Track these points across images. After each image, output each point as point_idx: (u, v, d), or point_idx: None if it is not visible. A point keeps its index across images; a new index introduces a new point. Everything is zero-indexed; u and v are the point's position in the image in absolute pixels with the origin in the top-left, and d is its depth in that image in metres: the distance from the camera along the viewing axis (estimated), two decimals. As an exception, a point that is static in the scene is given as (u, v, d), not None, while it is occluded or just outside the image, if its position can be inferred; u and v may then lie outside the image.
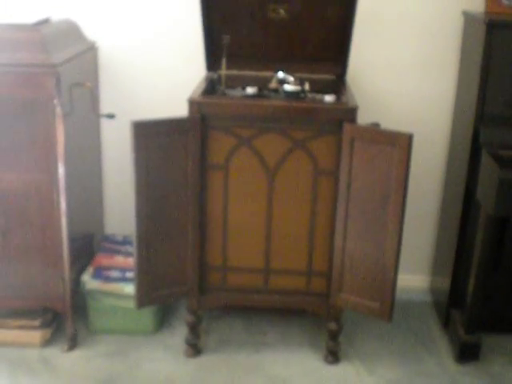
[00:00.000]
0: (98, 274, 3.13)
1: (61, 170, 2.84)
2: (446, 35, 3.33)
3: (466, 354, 3.11)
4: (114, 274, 3.14)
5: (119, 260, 3.22)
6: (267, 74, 3.11)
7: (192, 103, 2.70)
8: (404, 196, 2.64)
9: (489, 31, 2.89)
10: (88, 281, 3.12)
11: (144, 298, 2.83)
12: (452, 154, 3.41)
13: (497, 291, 3.26)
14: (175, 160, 2.72)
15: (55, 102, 2.76)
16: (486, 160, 2.87)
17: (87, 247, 3.37)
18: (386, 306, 2.80)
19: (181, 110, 2.75)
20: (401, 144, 2.58)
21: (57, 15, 3.23)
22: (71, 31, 3.20)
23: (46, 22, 3.07)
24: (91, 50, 3.31)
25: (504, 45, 2.92)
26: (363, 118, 2.92)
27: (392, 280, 2.76)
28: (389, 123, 2.94)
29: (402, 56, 3.36)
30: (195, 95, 2.76)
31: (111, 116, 3.08)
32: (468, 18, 3.22)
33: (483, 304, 3.10)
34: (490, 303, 3.23)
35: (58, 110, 2.77)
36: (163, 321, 3.32)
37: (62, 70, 2.80)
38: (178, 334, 3.21)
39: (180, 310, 3.40)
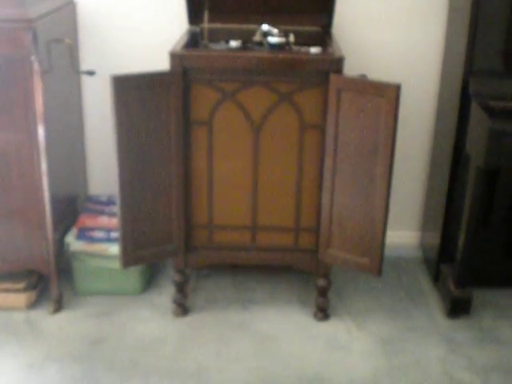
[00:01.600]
0: (82, 234, 3.08)
1: (40, 129, 2.77)
2: (434, -16, 3.26)
3: (457, 308, 3.09)
4: (99, 234, 3.09)
5: (103, 220, 3.17)
6: (251, 27, 3.02)
7: (173, 56, 2.62)
8: (392, 148, 2.59)
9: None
10: (72, 242, 3.07)
11: (129, 257, 2.79)
12: (441, 106, 3.35)
13: (487, 245, 3.24)
14: (157, 115, 2.65)
15: (32, 58, 2.68)
16: (475, 111, 2.82)
17: (71, 208, 3.31)
18: (376, 260, 2.76)
19: (163, 66, 2.67)
20: (388, 95, 2.52)
21: (33, -31, 3.13)
22: (48, -14, 3.10)
23: (21, -24, 2.97)
24: (69, 4, 3.21)
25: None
26: (350, 71, 2.85)
27: (381, 234, 2.72)
28: (376, 75, 2.88)
29: (389, 6, 3.28)
30: (177, 48, 2.68)
31: (91, 73, 3.00)
32: (456, -34, 3.15)
33: (473, 258, 3.07)
34: (480, 257, 3.20)
35: (36, 66, 2.69)
36: (150, 281, 3.29)
37: (39, 25, 2.71)
38: (166, 294, 3.18)
39: (167, 269, 3.36)
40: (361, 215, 2.74)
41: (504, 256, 3.27)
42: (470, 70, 2.93)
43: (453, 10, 3.18)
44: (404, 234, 3.68)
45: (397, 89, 2.50)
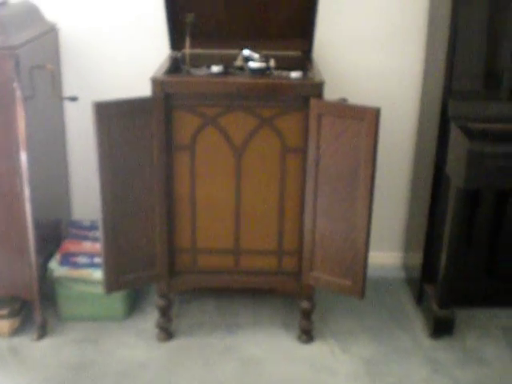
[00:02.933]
0: (66, 260, 3.08)
1: (23, 156, 2.77)
2: (412, 8, 3.30)
3: (440, 328, 3.10)
4: (82, 259, 3.09)
5: (87, 245, 3.17)
6: (233, 52, 3.05)
7: (155, 82, 2.64)
8: (373, 171, 2.61)
9: (455, 3, 2.86)
10: (55, 268, 3.07)
11: (112, 282, 2.78)
12: (421, 128, 3.39)
13: (470, 265, 3.26)
14: (139, 141, 2.66)
15: (15, 85, 2.69)
16: (454, 133, 2.85)
17: (54, 233, 3.30)
18: (358, 283, 2.77)
19: (145, 91, 2.69)
20: (368, 118, 2.54)
21: (15, -3, 3.16)
22: (30, 13, 3.11)
23: (3, 3, 2.99)
24: (52, 31, 3.23)
25: (471, 17, 2.90)
26: (331, 94, 2.88)
27: (363, 256, 2.73)
28: (357, 98, 2.91)
29: (369, 30, 3.33)
30: (158, 74, 2.70)
31: (74, 98, 3.01)
32: (434, -10, 3.19)
33: (456, 278, 3.09)
34: (463, 277, 3.23)
35: (18, 93, 2.70)
36: (134, 306, 3.28)
37: (22, 52, 2.72)
38: (150, 319, 3.17)
39: (151, 294, 3.35)
40: (343, 238, 2.75)
41: (486, 275, 3.30)
42: (449, 92, 2.96)
43: (431, 33, 3.23)
44: (387, 255, 3.70)
45: (376, 112, 2.53)
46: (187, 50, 2.96)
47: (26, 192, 2.81)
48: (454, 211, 2.90)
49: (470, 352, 3.03)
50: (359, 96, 3.14)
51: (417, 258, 3.36)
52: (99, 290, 2.92)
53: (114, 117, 2.57)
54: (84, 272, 3.06)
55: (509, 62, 2.97)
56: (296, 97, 2.68)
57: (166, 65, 2.90)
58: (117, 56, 3.34)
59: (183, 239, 2.88)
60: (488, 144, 2.72)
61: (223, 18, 3.11)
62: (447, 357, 2.99)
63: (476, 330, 3.19)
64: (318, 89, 2.65)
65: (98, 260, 3.03)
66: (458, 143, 2.80)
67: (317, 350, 3.02)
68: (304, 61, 3.10)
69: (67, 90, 3.34)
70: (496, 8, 2.92)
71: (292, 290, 2.96)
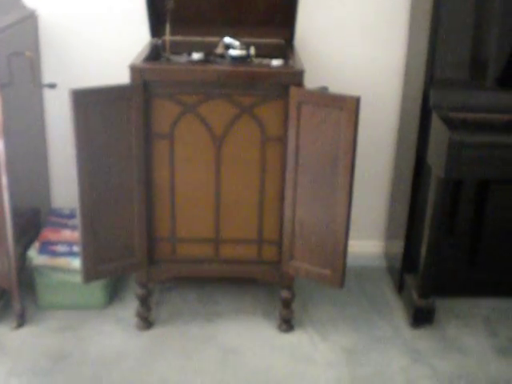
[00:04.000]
0: (45, 249, 3.06)
1: (0, 143, 2.73)
2: (395, -4, 3.29)
3: (420, 318, 3.11)
4: (61, 248, 3.07)
5: (66, 234, 3.15)
6: (214, 39, 3.02)
7: (134, 70, 2.61)
8: (353, 160, 2.60)
9: (437, -8, 2.86)
10: (34, 256, 3.05)
11: (91, 272, 2.76)
12: (403, 118, 3.38)
13: (451, 255, 3.27)
14: (118, 129, 2.63)
15: (-8, 71, 2.66)
16: (435, 123, 2.84)
17: (33, 221, 3.28)
18: (338, 272, 2.77)
19: (125, 78, 2.66)
20: (348, 107, 2.53)
21: (-7, -18, 3.11)
22: (8, -1, 3.09)
23: (-20, -12, 2.95)
24: (31, 17, 3.19)
25: (454, 5, 2.88)
26: (313, 83, 2.87)
27: (343, 246, 2.73)
28: (339, 87, 2.90)
29: (352, 18, 3.31)
30: (137, 61, 2.67)
31: (52, 85, 2.98)
32: (417, -22, 3.18)
33: (436, 268, 3.09)
34: (443, 267, 3.23)
35: (-5, 80, 2.67)
36: (114, 294, 3.26)
37: (-1, 38, 2.70)
38: (129, 308, 3.15)
39: (131, 282, 3.33)
40: (322, 227, 2.75)
41: (467, 265, 3.31)
42: (431, 82, 2.96)
43: (414, 21, 3.21)
44: (368, 244, 3.70)
45: (356, 101, 2.52)
46: (167, 37, 2.94)
47: (4, 180, 2.78)
48: (435, 201, 2.90)
49: (449, 341, 3.04)
50: (341, 85, 3.13)
51: (398, 247, 3.36)
52: (78, 278, 2.88)
53: (91, 104, 2.54)
54: (63, 261, 3.04)
55: (492, 51, 2.96)
56: (276, 85, 2.66)
57: (146, 52, 2.87)
58: (97, 43, 3.31)
59: (162, 228, 2.87)
60: (469, 134, 2.71)
61: (204, 5, 3.09)
62: (427, 346, 3.00)
63: (456, 319, 3.20)
64: (298, 77, 2.64)
65: (76, 249, 3.00)
66: (438, 133, 2.80)
67: (297, 338, 3.02)
68: (285, 49, 3.08)
69: (46, 77, 3.30)
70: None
71: (272, 280, 2.95)
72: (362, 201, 3.49)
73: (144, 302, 2.98)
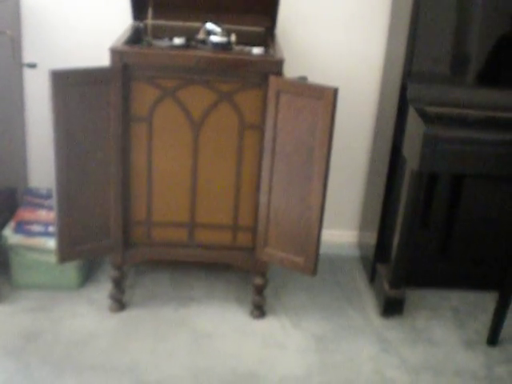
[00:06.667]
0: (20, 228, 3.06)
1: (-22, 120, 2.75)
2: (377, -12, 3.31)
3: (391, 308, 3.15)
4: (37, 228, 3.07)
5: (42, 214, 3.15)
6: (196, 24, 3.03)
7: (114, 52, 2.62)
8: (329, 150, 2.62)
9: (418, -14, 2.88)
10: (10, 235, 3.05)
11: (66, 252, 2.77)
12: (380, 110, 3.41)
13: (424, 246, 3.31)
14: (97, 111, 2.64)
15: (-29, 49, 2.66)
16: (411, 116, 2.88)
17: (9, 201, 3.28)
18: (311, 260, 2.80)
19: (106, 61, 2.65)
20: (326, 98, 2.55)
21: (-25, -41, 3.09)
22: (-9, -24, 3.07)
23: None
24: (13, -4, 3.18)
25: (433, 0, 2.91)
26: (293, 72, 2.89)
27: (316, 234, 2.75)
28: (318, 77, 2.92)
29: (333, 9, 3.32)
30: (117, 44, 2.68)
31: (33, 65, 2.98)
32: (399, -29, 3.20)
33: (409, 259, 3.13)
34: (416, 258, 3.27)
35: (-25, 57, 2.66)
36: (88, 275, 3.27)
37: (-21, 16, 2.69)
38: (103, 289, 3.16)
39: (105, 264, 3.35)
40: (297, 215, 2.77)
41: (439, 257, 3.36)
42: (409, 75, 2.99)
43: (395, 14, 3.24)
44: (342, 233, 3.74)
45: (334, 92, 2.54)
46: (149, 21, 2.94)
47: (-19, 158, 2.79)
48: (409, 193, 2.93)
49: (419, 332, 3.09)
50: (320, 75, 3.15)
51: (371, 238, 3.40)
52: (53, 259, 2.90)
53: (71, 86, 2.55)
54: (38, 240, 3.05)
55: (471, 47, 3.00)
56: (256, 73, 2.68)
57: (127, 35, 2.87)
58: (78, 24, 3.30)
59: (138, 211, 2.88)
60: (444, 128, 2.75)
61: (188, -10, 3.10)
62: (396, 336, 3.04)
63: (426, 310, 3.25)
64: (277, 66, 2.65)
65: (52, 229, 3.02)
66: (414, 126, 2.83)
67: (268, 325, 3.05)
68: (266, 37, 3.09)
69: (27, 57, 3.29)
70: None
71: (246, 266, 2.98)
72: (337, 190, 3.53)
73: (118, 284, 3.00)
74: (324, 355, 2.88)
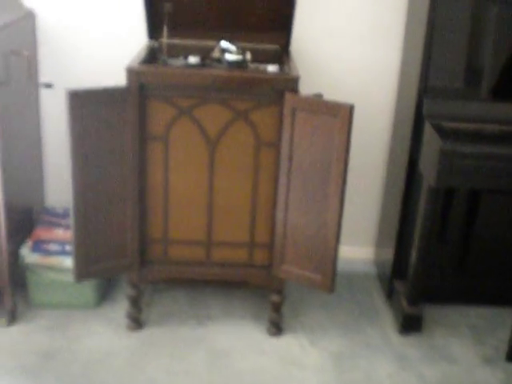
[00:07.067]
0: (37, 247, 3.07)
1: (-4, 141, 2.76)
2: (391, 5, 3.31)
3: (409, 325, 3.13)
4: (54, 247, 3.08)
5: (59, 233, 3.15)
6: (210, 43, 3.05)
7: (130, 72, 2.63)
8: (345, 167, 2.62)
9: (433, 1, 2.88)
10: (27, 254, 3.06)
11: (83, 271, 2.78)
12: (396, 126, 3.40)
13: (441, 262, 3.29)
14: (113, 130, 2.65)
15: (-11, 70, 2.68)
16: (428, 131, 2.87)
17: (27, 220, 3.29)
18: (328, 277, 2.79)
19: (122, 80, 2.67)
20: (342, 115, 2.55)
21: (-8, -19, 3.13)
22: (7, -3, 3.10)
23: (-20, -13, 2.97)
24: (29, 17, 3.21)
25: (448, 16, 2.91)
26: (308, 89, 2.90)
27: (333, 252, 2.75)
28: (334, 94, 2.94)
29: (348, 26, 3.34)
30: (133, 64, 2.69)
31: (49, 85, 3.00)
32: (413, -12, 3.20)
33: (426, 275, 3.12)
34: (433, 274, 3.26)
35: (-8, 78, 2.69)
36: (105, 294, 3.28)
37: (-3, 37, 2.71)
38: (120, 308, 3.16)
39: (122, 282, 3.35)
40: (314, 232, 2.77)
41: (457, 273, 3.33)
42: (424, 91, 2.98)
43: (410, 29, 3.24)
44: (359, 250, 3.72)
45: (350, 109, 2.54)
46: (164, 40, 2.96)
47: (-1, 178, 2.81)
48: (426, 208, 2.92)
49: (437, 349, 3.06)
50: (336, 91, 3.17)
51: (388, 254, 3.39)
52: (70, 277, 2.90)
53: (87, 105, 2.56)
54: (55, 259, 3.06)
55: (486, 61, 2.99)
56: (271, 91, 2.68)
57: (143, 54, 2.88)
58: (94, 44, 3.33)
59: (155, 229, 2.88)
60: (460, 144, 2.74)
61: (202, 9, 3.10)
62: (415, 353, 3.02)
63: (444, 327, 3.22)
64: (293, 83, 2.66)
65: (69, 248, 3.03)
66: (430, 142, 2.82)
67: (286, 342, 3.03)
68: (281, 54, 3.10)
69: (43, 77, 3.32)
70: (475, 5, 2.93)
71: (263, 283, 2.97)
72: (353, 207, 3.52)
73: (135, 302, 3.00)
74: (342, 373, 2.86)
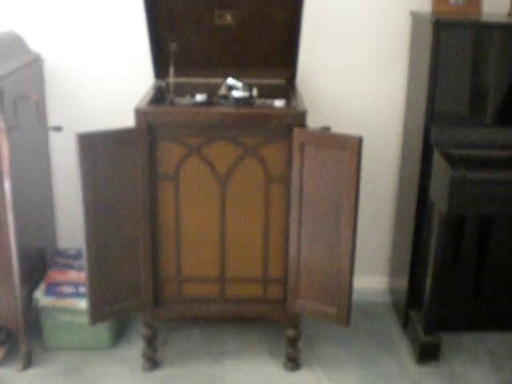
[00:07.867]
0: (51, 290, 3.07)
1: (7, 185, 2.76)
2: (394, 35, 3.33)
3: (426, 354, 3.10)
4: (67, 289, 3.07)
5: (72, 275, 3.15)
6: (217, 80, 3.07)
7: (138, 113, 2.65)
8: (356, 199, 2.62)
9: (436, 31, 2.90)
10: (40, 298, 3.05)
11: (97, 313, 2.77)
12: (405, 155, 3.41)
13: (455, 290, 3.27)
14: (124, 171, 2.67)
15: (-2, 116, 2.70)
16: (437, 160, 2.87)
17: (39, 262, 3.29)
18: (343, 310, 2.78)
19: (131, 120, 2.69)
20: (350, 147, 2.56)
21: (-1, 28, 3.17)
22: (14, 43, 3.13)
23: (-13, 34, 3.00)
24: (36, 61, 3.24)
25: (451, 44, 2.93)
26: (315, 121, 2.90)
27: (348, 284, 2.74)
28: (341, 126, 2.94)
29: (352, 57, 3.35)
30: (141, 104, 2.71)
31: (58, 129, 3.02)
32: (416, 17, 3.22)
33: (441, 303, 3.10)
34: (448, 302, 3.24)
35: (2, 124, 2.70)
36: (120, 335, 3.27)
37: (6, 83, 2.73)
38: (136, 348, 3.15)
39: (137, 322, 3.34)
40: (327, 265, 2.76)
41: (473, 300, 3.31)
42: (431, 120, 3.00)
43: (413, 60, 3.26)
44: (373, 280, 3.71)
45: (358, 141, 2.55)
46: (171, 79, 2.98)
47: (11, 221, 2.80)
48: (438, 236, 2.92)
49: (456, 377, 3.03)
50: (343, 124, 3.17)
51: (402, 283, 3.37)
52: (84, 319, 2.90)
53: (97, 148, 2.58)
54: (69, 302, 3.05)
55: (491, 87, 3.00)
56: (279, 126, 2.69)
57: (150, 94, 2.91)
58: (102, 85, 3.35)
59: (168, 268, 2.88)
60: (470, 171, 2.74)
61: (207, 47, 3.13)
62: (434, 383, 2.99)
63: (462, 354, 3.20)
64: (300, 118, 2.67)
65: (83, 289, 3.02)
66: (440, 170, 2.82)
67: (303, 377, 3.01)
68: (287, 89, 3.12)
69: (52, 120, 3.34)
70: (478, 33, 2.95)
71: (278, 318, 2.96)
72: (365, 237, 3.51)
73: (150, 342, 2.99)
74: (361, 406, 2.85)
